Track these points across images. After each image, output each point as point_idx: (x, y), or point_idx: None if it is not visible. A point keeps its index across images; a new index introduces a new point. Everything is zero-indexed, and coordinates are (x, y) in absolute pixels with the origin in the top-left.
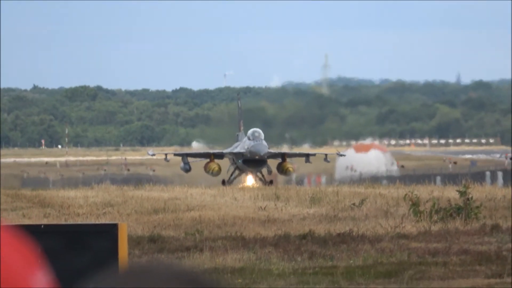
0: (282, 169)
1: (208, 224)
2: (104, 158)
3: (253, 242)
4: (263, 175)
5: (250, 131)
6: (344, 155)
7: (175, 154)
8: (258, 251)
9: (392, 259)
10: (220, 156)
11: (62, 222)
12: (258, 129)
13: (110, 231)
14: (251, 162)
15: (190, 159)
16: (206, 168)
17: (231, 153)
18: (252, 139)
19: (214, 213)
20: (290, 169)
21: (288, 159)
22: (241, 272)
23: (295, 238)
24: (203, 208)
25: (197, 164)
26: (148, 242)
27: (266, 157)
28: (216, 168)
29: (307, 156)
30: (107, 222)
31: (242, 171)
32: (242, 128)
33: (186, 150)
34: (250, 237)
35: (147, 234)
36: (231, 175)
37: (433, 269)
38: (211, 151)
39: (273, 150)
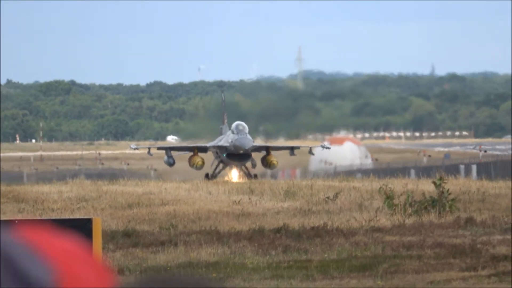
0: (266, 163)
1: (183, 218)
2: (79, 152)
3: (227, 236)
4: (247, 169)
5: (234, 125)
6: (329, 148)
7: (159, 148)
8: (233, 245)
9: (367, 252)
10: (204, 149)
11: (37, 217)
12: (242, 123)
13: (85, 225)
14: (235, 156)
15: (173, 153)
16: (189, 162)
17: (214, 147)
18: (236, 133)
19: (188, 208)
20: (274, 162)
21: (272, 152)
22: (215, 266)
23: (270, 232)
24: (178, 202)
25: (178, 158)
26: (122, 236)
27: (250, 150)
28: (200, 162)
29: (291, 149)
30: (82, 217)
31: (226, 164)
32: (226, 121)
33: (160, 144)
34: (225, 231)
35: (122, 229)
36: (215, 169)
37: (408, 262)
38: (195, 144)
39: (257, 143)
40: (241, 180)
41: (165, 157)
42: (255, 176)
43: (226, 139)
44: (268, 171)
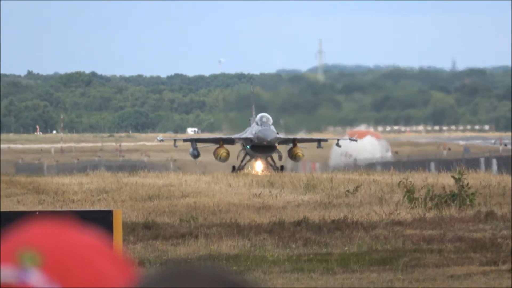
0: (292, 155)
1: (203, 211)
2: (99, 144)
3: (248, 229)
4: (273, 161)
5: (258, 116)
6: (356, 140)
7: (185, 140)
8: (253, 238)
9: (387, 246)
10: (230, 141)
11: (57, 208)
12: (266, 114)
13: (105, 217)
14: (259, 147)
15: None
16: (214, 153)
17: (240, 138)
18: (260, 124)
19: (209, 200)
20: (300, 154)
21: (299, 145)
22: (236, 259)
23: (290, 225)
24: (198, 194)
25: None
26: (142, 228)
27: (275, 142)
28: (224, 154)
29: (318, 141)
30: (102, 208)
31: (252, 157)
32: (254, 113)
33: (178, 136)
34: (245, 224)
35: (142, 221)
36: (242, 161)
37: (428, 256)
38: (221, 136)
39: (284, 135)
40: (266, 172)
41: (190, 149)
42: (282, 168)
43: (250, 131)
44: (294, 164)
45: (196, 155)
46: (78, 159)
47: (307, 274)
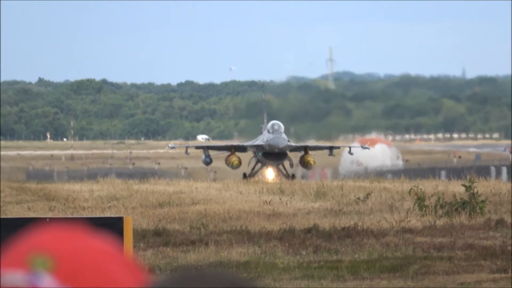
0: (303, 162)
1: (213, 218)
2: (109, 151)
3: (258, 236)
4: (285, 168)
5: (269, 124)
6: (368, 148)
7: (197, 147)
8: (263, 245)
9: (397, 253)
10: (243, 149)
11: (68, 215)
12: (278, 122)
13: (116, 224)
14: (270, 155)
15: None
16: (226, 161)
17: (252, 146)
18: (271, 132)
19: (219, 207)
20: (311, 162)
21: (310, 152)
22: (246, 266)
23: (300, 232)
24: (208, 202)
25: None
26: (153, 235)
27: (286, 150)
28: (236, 161)
29: (330, 149)
30: (113, 215)
31: (263, 164)
32: (265, 120)
33: (190, 143)
34: (255, 231)
35: (152, 228)
36: (253, 168)
37: (438, 263)
38: (233, 143)
39: (295, 143)
40: (277, 180)
41: (203, 156)
42: (293, 176)
43: (262, 138)
44: (305, 171)
45: (208, 162)
46: (88, 166)
47: (317, 281)
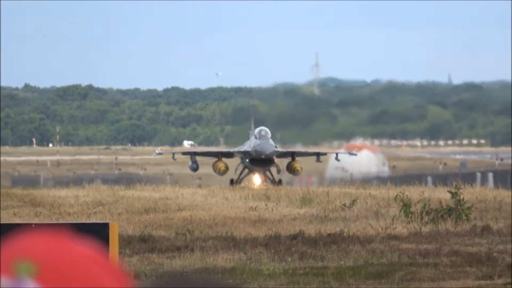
0: (290, 168)
1: (199, 224)
2: (95, 157)
3: (243, 242)
4: (272, 175)
5: (257, 130)
6: (355, 155)
7: (183, 153)
8: (249, 251)
9: (383, 260)
10: (229, 155)
11: (53, 221)
12: (265, 128)
13: (101, 230)
14: (258, 161)
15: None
16: (213, 167)
17: (239, 152)
18: (258, 138)
19: (205, 213)
20: (298, 168)
21: (297, 158)
22: (231, 272)
23: (286, 239)
24: (194, 208)
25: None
26: (138, 241)
27: (273, 156)
28: (223, 168)
29: (317, 155)
30: (98, 221)
31: (250, 170)
32: (253, 126)
33: (176, 149)
34: (241, 237)
35: (138, 234)
36: (240, 174)
37: (424, 270)
38: (220, 150)
39: (281, 149)
40: (264, 186)
41: (190, 162)
42: (280, 181)
43: (249, 144)
44: (290, 177)
45: (195, 168)
46: (74, 172)
47: None
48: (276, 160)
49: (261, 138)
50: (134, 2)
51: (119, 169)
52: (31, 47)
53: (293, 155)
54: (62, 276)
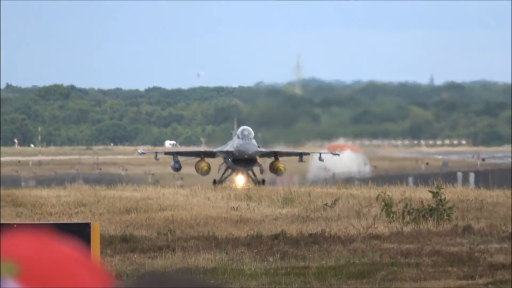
0: (273, 168)
1: (181, 224)
2: (77, 157)
3: (225, 242)
4: (254, 174)
5: (239, 129)
6: (338, 155)
7: (166, 153)
8: (230, 251)
9: (364, 259)
10: (212, 154)
11: (35, 221)
12: (248, 128)
13: (83, 230)
14: (240, 161)
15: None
16: (195, 167)
17: (221, 152)
18: (241, 138)
19: (186, 213)
20: (282, 168)
21: (280, 158)
22: (213, 272)
23: (267, 239)
24: (176, 208)
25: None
26: (120, 241)
27: (256, 156)
28: (206, 167)
29: (300, 155)
30: (80, 221)
31: (233, 170)
32: (235, 126)
33: (158, 149)
34: (223, 237)
35: (119, 234)
36: (223, 174)
37: (405, 270)
38: (202, 149)
39: (265, 149)
40: (247, 186)
41: (172, 162)
42: (263, 181)
43: (232, 144)
44: (272, 177)
45: (177, 168)
46: (55, 172)
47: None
48: (259, 160)
49: (243, 138)
50: (117, 2)
51: (100, 169)
52: (13, 47)
53: (276, 155)
54: (44, 276)
